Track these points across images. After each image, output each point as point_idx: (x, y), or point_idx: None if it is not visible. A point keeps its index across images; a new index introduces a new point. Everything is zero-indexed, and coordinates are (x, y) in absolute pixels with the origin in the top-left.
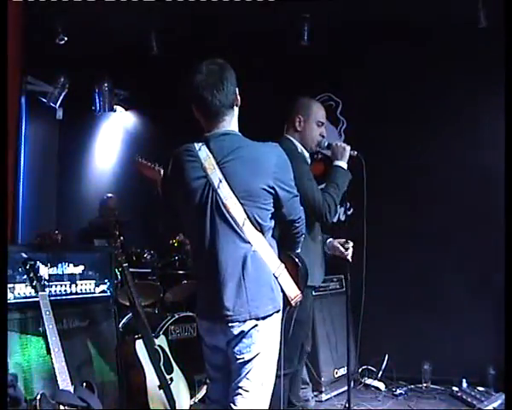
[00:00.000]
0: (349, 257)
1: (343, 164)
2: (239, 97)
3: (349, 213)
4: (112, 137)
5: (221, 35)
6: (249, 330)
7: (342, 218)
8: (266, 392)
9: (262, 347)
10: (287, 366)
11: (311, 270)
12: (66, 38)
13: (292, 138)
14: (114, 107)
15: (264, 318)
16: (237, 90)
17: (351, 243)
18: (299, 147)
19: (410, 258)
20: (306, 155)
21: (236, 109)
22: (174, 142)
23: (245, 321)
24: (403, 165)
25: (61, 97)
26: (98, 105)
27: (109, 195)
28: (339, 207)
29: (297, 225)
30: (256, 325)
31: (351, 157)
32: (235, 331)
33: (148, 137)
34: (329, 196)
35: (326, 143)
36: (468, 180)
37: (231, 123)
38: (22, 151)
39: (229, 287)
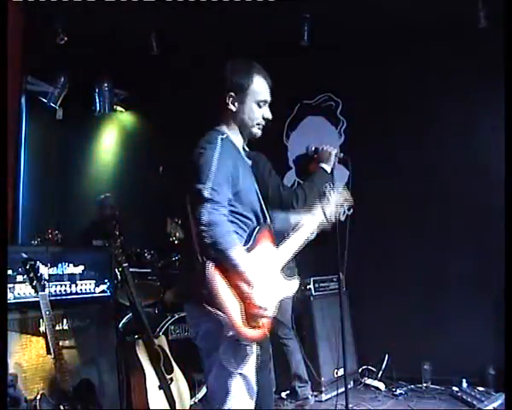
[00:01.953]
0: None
1: (326, 167)
2: None
3: (349, 213)
4: (112, 137)
5: (221, 35)
6: None
7: (342, 218)
8: None
9: None
10: None
11: None
12: (66, 38)
13: None
14: (114, 107)
15: None
16: None
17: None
18: None
19: (410, 258)
20: None
21: None
22: (174, 142)
23: None
24: (403, 164)
25: (61, 97)
26: (98, 105)
27: (107, 194)
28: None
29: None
30: None
31: (339, 159)
32: None
33: (148, 137)
34: (301, 188)
35: (313, 148)
36: (468, 180)
37: None
38: (22, 151)
39: None
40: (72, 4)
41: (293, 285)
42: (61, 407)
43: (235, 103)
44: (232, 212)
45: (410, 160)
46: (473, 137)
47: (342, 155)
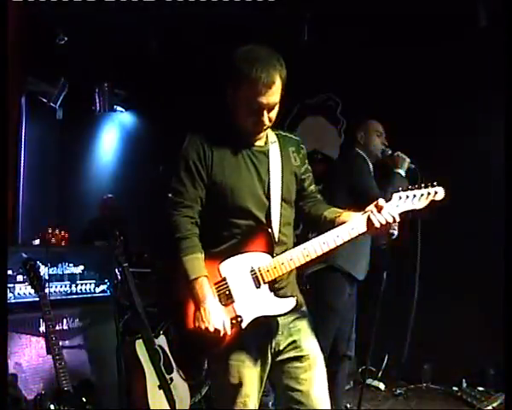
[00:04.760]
0: (396, 233)
1: (402, 172)
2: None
3: None
4: (112, 137)
5: (221, 35)
6: None
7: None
8: None
9: None
10: None
11: (356, 261)
12: (66, 38)
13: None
14: (114, 107)
15: None
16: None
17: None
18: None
19: (410, 258)
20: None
21: None
22: (174, 142)
23: None
24: None
25: (61, 97)
26: (98, 105)
27: (109, 195)
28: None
29: None
30: None
31: (408, 169)
32: None
33: (148, 137)
34: (371, 188)
35: (389, 152)
36: (469, 180)
37: None
38: (22, 151)
39: None
40: (72, 4)
41: (283, 305)
42: (61, 407)
43: None
44: (210, 213)
45: (409, 159)
46: (473, 137)
47: (414, 166)
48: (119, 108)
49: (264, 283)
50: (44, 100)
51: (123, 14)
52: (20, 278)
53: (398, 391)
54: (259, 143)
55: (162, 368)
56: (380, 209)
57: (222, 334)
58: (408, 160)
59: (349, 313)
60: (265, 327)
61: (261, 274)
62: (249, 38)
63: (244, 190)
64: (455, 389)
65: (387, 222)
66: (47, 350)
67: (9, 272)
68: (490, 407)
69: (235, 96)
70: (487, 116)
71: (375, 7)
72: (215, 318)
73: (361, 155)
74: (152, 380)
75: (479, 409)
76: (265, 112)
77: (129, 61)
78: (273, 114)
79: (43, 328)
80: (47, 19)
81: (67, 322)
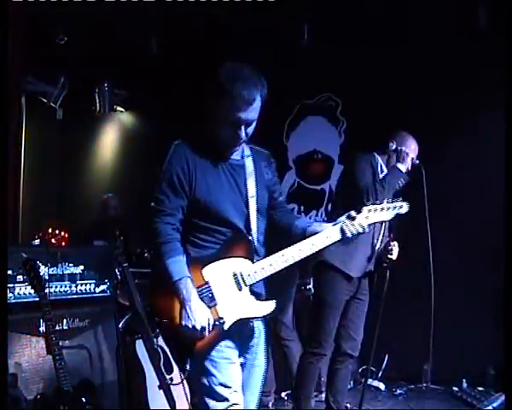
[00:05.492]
0: (394, 257)
1: (401, 166)
2: None
3: None
4: (112, 137)
5: (221, 35)
6: None
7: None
8: None
9: None
10: (313, 345)
11: (349, 258)
12: (66, 38)
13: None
14: (114, 107)
15: None
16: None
17: (394, 244)
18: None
19: (410, 258)
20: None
21: None
22: (174, 142)
23: None
24: None
25: (61, 97)
26: (98, 105)
27: (109, 194)
28: (380, 195)
29: None
30: None
31: (413, 165)
32: None
33: (148, 137)
34: (372, 185)
35: (393, 147)
36: (468, 182)
37: None
38: (22, 151)
39: None
40: (72, 4)
41: (264, 308)
42: (61, 407)
43: None
44: (192, 221)
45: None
46: (473, 137)
47: (418, 162)
48: (119, 108)
49: (246, 286)
50: (44, 100)
51: (123, 14)
52: (20, 278)
53: (399, 391)
54: (236, 156)
55: (162, 368)
56: (352, 220)
57: (207, 332)
58: (412, 155)
59: (352, 311)
60: (246, 329)
61: (243, 278)
62: (249, 38)
63: (226, 203)
64: (455, 389)
65: (358, 232)
66: (47, 350)
67: (9, 272)
68: (490, 407)
69: (216, 109)
70: (487, 116)
71: (375, 6)
72: (201, 315)
73: (377, 159)
74: (152, 380)
75: (479, 409)
76: (243, 127)
77: (129, 61)
78: (250, 129)
79: (43, 328)
80: (47, 19)
81: (67, 322)
